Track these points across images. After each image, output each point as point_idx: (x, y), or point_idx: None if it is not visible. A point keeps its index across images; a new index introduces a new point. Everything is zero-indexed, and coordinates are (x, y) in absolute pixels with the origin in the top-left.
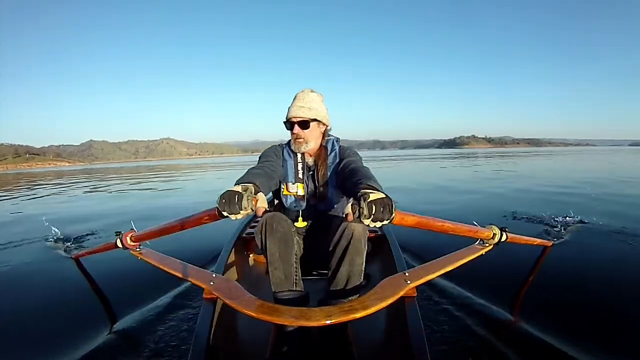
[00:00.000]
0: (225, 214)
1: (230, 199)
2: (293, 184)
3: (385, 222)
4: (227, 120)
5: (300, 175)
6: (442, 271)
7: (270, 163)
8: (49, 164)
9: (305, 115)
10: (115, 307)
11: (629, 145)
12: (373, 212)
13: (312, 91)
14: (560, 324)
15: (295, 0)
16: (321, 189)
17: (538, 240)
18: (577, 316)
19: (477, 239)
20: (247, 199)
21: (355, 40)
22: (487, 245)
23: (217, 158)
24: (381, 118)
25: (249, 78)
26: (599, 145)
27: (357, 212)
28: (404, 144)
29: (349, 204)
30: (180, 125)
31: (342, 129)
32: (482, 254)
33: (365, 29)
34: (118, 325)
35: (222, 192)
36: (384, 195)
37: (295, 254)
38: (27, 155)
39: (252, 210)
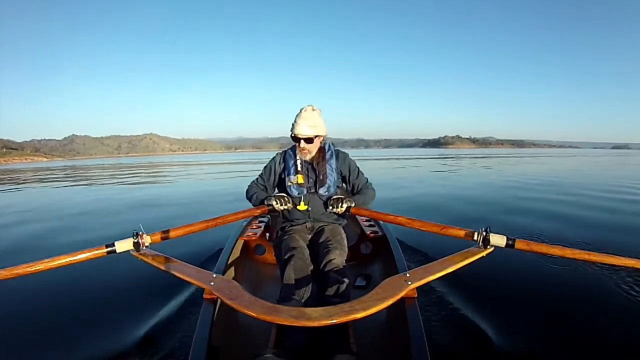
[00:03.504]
0: (277, 206)
1: (281, 199)
2: (294, 175)
3: (341, 209)
4: (211, 116)
5: (299, 168)
6: (443, 272)
7: (265, 181)
8: (26, 159)
9: (311, 133)
10: (113, 308)
11: (612, 148)
12: (331, 203)
13: (313, 109)
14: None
15: None
16: (321, 176)
17: (556, 249)
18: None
19: (476, 242)
20: (286, 199)
21: (339, 37)
22: (489, 248)
23: (203, 155)
24: (365, 116)
25: (233, 75)
26: (582, 147)
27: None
28: (387, 143)
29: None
30: (164, 121)
31: (326, 127)
32: (482, 257)
33: (349, 25)
34: (116, 326)
35: (272, 195)
36: (344, 198)
37: (311, 273)
38: (4, 150)
39: (290, 205)
